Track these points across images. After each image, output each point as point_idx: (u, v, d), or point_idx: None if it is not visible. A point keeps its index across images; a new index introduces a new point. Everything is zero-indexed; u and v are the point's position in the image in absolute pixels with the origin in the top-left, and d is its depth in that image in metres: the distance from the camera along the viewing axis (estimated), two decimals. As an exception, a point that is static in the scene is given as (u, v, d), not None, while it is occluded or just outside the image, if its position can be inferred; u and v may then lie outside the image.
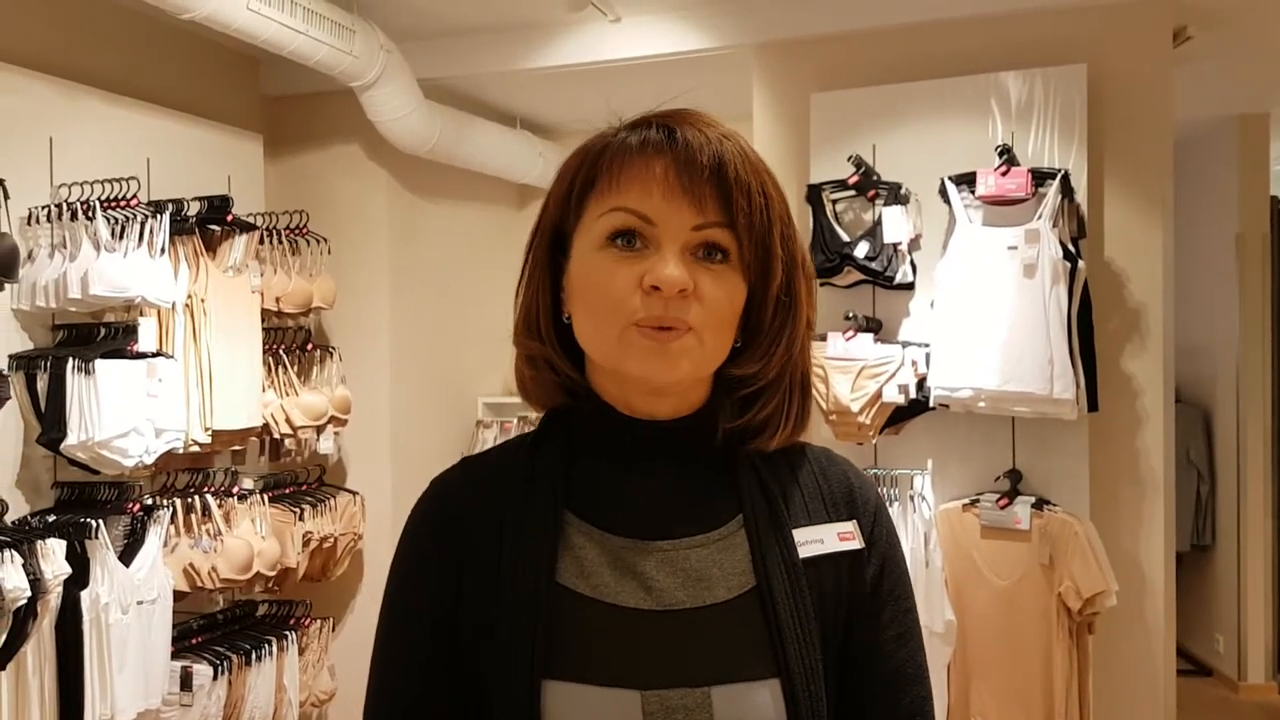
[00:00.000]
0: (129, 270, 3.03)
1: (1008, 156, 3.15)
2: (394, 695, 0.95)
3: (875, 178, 3.30)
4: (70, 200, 3.13)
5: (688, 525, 0.93)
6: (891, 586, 0.98)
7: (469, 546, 0.93)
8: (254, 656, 3.47)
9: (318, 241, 4.03)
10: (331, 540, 3.90)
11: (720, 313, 0.90)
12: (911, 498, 3.19)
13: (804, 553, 0.93)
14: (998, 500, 3.16)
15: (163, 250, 3.14)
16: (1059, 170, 3.11)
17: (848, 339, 3.25)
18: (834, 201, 3.36)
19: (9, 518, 2.94)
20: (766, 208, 0.91)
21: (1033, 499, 3.14)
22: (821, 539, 0.95)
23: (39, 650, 2.80)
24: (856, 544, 0.96)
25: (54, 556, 2.80)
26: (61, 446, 2.96)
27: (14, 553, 2.69)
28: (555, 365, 0.96)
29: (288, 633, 3.66)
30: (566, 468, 0.95)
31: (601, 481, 0.95)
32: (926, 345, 3.20)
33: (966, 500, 3.24)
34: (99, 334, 3.15)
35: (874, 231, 3.25)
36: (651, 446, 0.95)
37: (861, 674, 0.95)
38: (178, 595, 3.23)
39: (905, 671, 0.97)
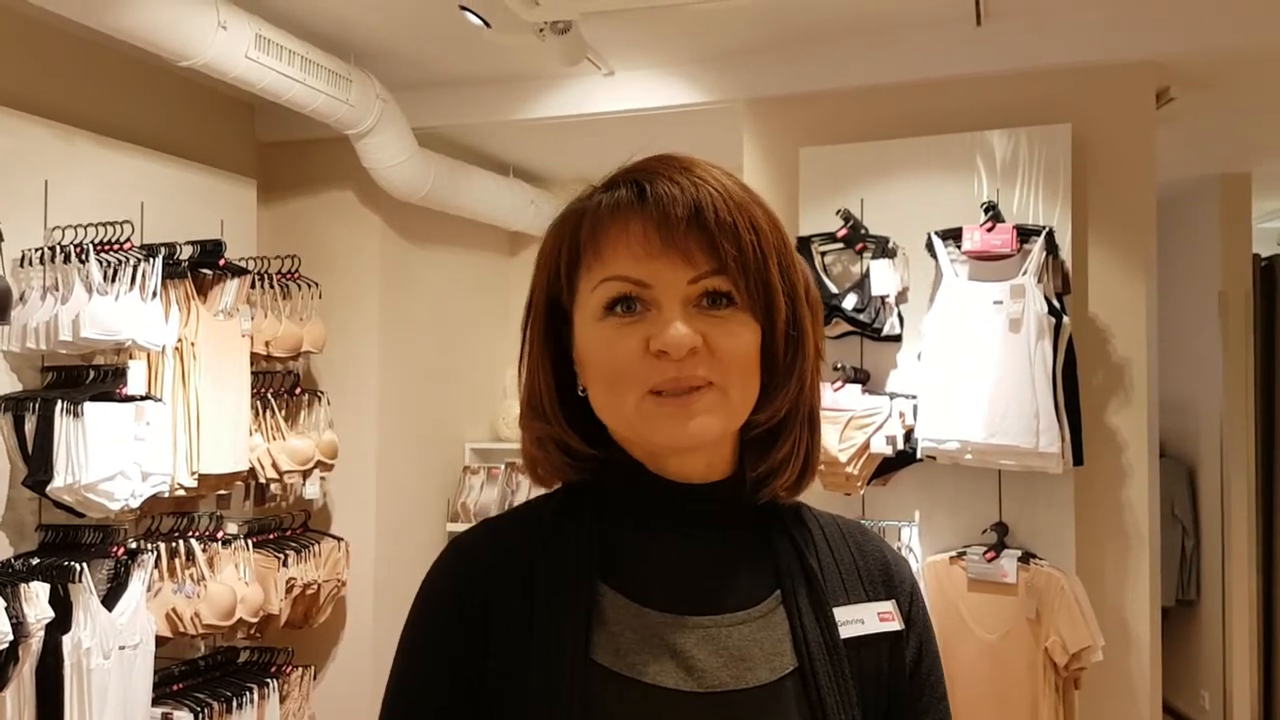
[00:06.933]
0: (120, 313, 3.03)
1: (993, 213, 3.20)
2: None
3: (863, 231, 3.34)
4: (63, 243, 3.14)
5: (727, 599, 0.88)
6: (929, 670, 0.94)
7: (495, 613, 0.87)
8: (235, 704, 3.43)
9: (309, 286, 4.04)
10: (315, 587, 3.87)
11: (739, 362, 0.85)
12: (899, 549, 3.18)
13: (845, 633, 0.89)
14: (984, 553, 3.17)
15: (154, 294, 3.15)
16: (1044, 227, 3.15)
17: (836, 390, 3.26)
18: (823, 254, 3.40)
19: (-8, 560, 2.92)
20: (758, 243, 0.86)
21: (1019, 552, 3.15)
22: (862, 619, 0.91)
23: (19, 695, 2.76)
24: (896, 625, 0.93)
25: (37, 600, 2.78)
26: (47, 489, 2.95)
27: (-3, 596, 2.67)
28: (568, 445, 0.91)
29: (269, 680, 3.62)
30: (598, 534, 0.89)
31: (635, 550, 0.89)
32: (914, 397, 3.22)
33: (954, 552, 3.24)
34: (88, 376, 3.15)
35: (862, 284, 3.28)
36: (687, 512, 0.90)
37: None
38: (159, 640, 3.20)
39: None
